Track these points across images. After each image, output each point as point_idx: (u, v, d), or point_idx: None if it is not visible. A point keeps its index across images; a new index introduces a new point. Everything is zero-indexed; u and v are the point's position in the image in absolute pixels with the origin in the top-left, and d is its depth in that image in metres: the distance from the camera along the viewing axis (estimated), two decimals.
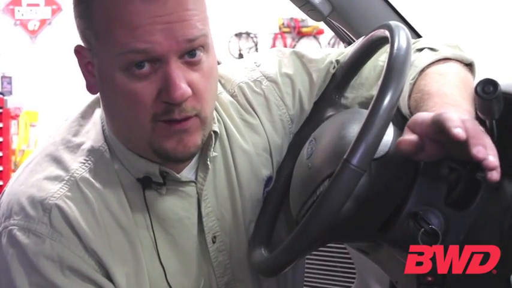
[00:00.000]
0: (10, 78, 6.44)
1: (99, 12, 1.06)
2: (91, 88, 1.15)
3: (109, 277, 1.13)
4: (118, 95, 1.08)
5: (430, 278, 0.97)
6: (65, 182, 1.13)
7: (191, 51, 1.07)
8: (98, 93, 1.18)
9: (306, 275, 1.80)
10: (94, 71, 1.12)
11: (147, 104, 1.07)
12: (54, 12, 6.76)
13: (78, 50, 1.13)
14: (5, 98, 5.73)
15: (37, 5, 6.76)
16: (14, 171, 5.34)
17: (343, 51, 1.31)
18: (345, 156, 0.92)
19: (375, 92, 0.97)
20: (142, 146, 1.12)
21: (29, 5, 6.76)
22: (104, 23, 1.06)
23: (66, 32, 6.39)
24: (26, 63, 6.59)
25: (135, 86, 1.06)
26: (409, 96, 1.13)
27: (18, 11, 6.77)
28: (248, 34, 6.84)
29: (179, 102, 1.06)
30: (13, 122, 5.75)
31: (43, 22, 6.79)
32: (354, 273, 1.72)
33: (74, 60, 1.14)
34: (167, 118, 1.08)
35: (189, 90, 1.06)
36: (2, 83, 6.20)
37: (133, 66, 1.05)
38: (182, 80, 1.06)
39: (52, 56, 6.53)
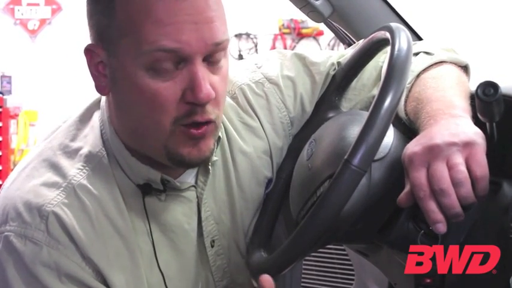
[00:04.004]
0: (10, 77, 6.44)
1: (125, 9, 1.04)
2: (102, 89, 1.12)
3: (107, 284, 1.12)
4: (138, 94, 1.06)
5: (428, 280, 0.97)
6: (62, 189, 1.11)
7: (214, 54, 1.06)
8: (99, 95, 1.17)
9: (304, 276, 1.80)
10: (106, 71, 1.09)
11: (170, 106, 1.05)
12: (54, 11, 6.76)
13: (90, 49, 1.10)
14: (5, 97, 5.72)
15: (37, 4, 6.76)
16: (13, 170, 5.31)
17: (344, 54, 1.31)
18: (345, 157, 0.92)
19: (376, 91, 0.98)
20: (155, 149, 1.10)
21: (28, 4, 6.76)
22: (130, 19, 1.04)
23: (66, 31, 6.41)
24: (25, 63, 6.59)
25: (159, 86, 1.05)
26: (406, 100, 1.13)
27: (18, 10, 6.76)
28: (248, 35, 6.83)
29: (205, 102, 1.05)
30: (12, 122, 5.74)
31: (43, 22, 6.78)
32: (353, 275, 1.72)
33: (74, 59, 1.14)
34: (190, 121, 1.07)
35: (213, 92, 1.06)
36: (2, 82, 6.19)
37: (158, 65, 1.04)
38: (207, 81, 1.05)
39: (52, 55, 6.53)
